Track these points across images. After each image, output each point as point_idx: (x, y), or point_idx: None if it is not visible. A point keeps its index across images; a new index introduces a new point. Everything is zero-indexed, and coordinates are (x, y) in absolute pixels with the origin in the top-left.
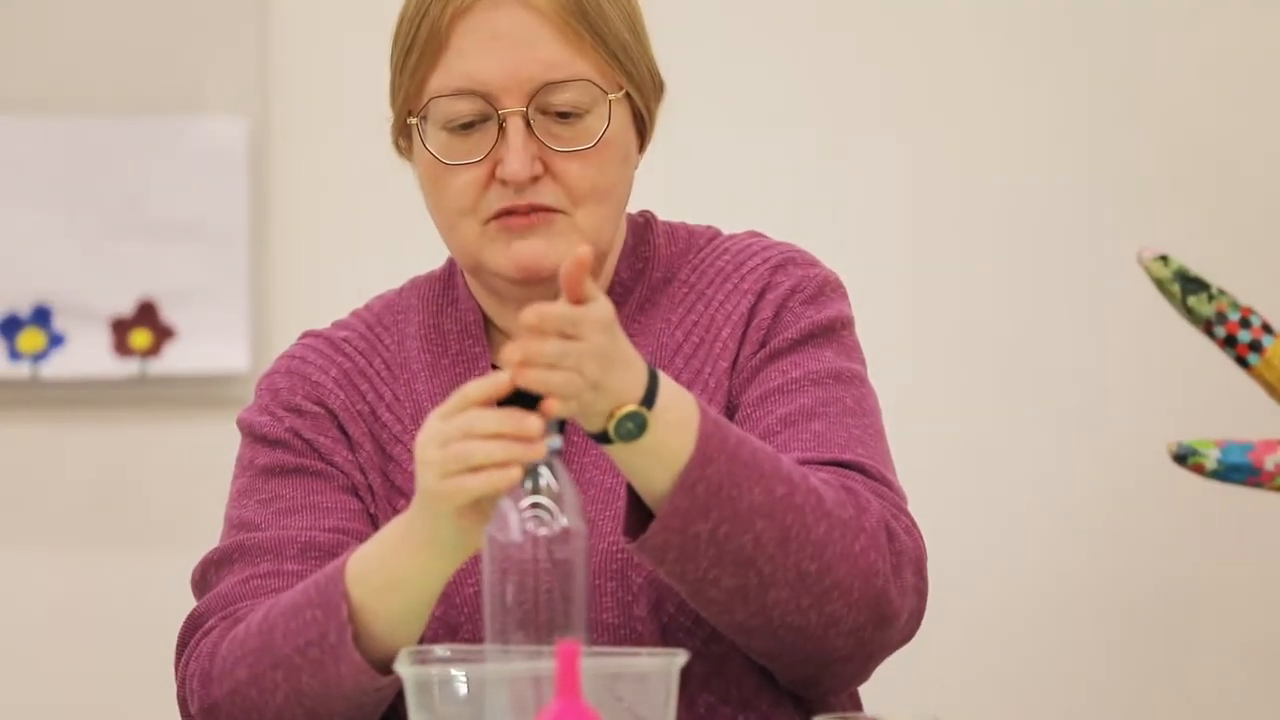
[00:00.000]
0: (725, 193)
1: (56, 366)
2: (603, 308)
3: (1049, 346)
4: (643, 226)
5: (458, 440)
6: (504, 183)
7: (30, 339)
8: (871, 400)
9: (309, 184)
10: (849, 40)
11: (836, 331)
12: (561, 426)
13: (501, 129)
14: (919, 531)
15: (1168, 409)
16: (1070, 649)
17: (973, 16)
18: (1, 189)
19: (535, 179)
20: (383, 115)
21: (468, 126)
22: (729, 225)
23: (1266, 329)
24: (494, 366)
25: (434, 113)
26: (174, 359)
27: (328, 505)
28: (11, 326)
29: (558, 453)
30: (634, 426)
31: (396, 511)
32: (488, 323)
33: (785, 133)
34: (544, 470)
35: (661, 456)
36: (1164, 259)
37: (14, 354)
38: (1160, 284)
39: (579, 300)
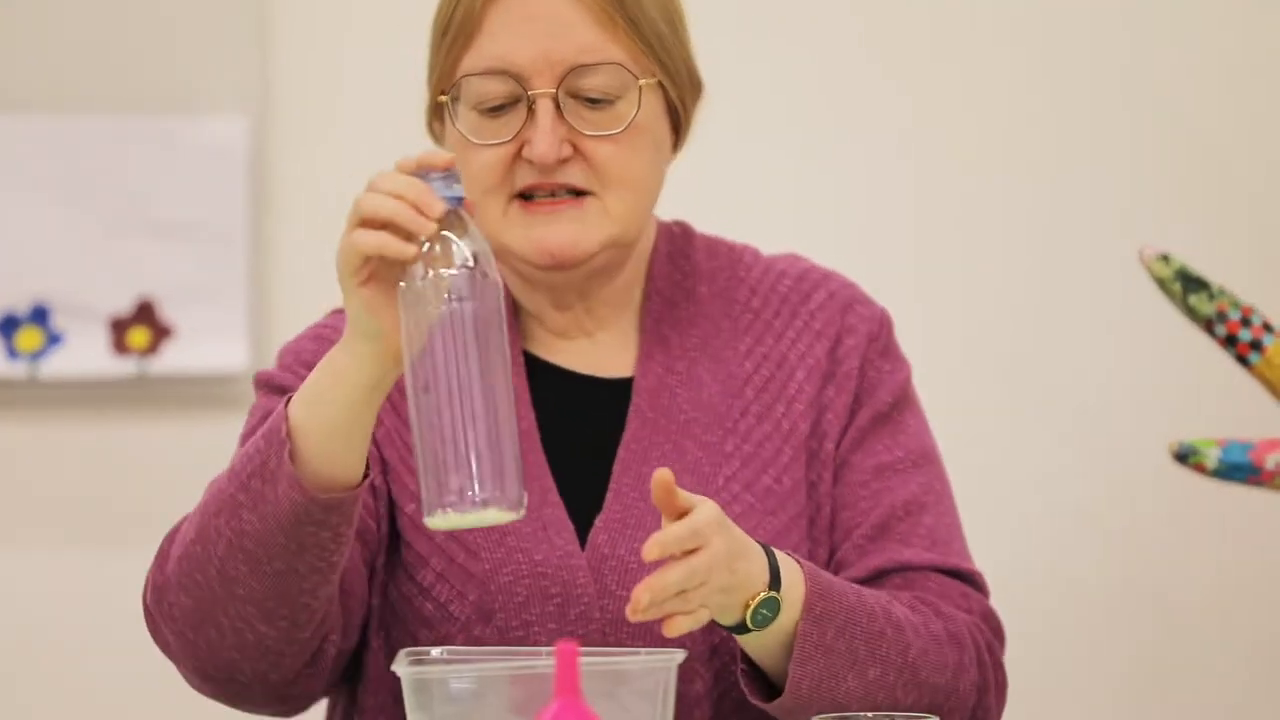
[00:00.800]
0: (727, 194)
1: (54, 366)
2: (710, 508)
3: (1049, 347)
4: (679, 235)
5: (364, 194)
6: (531, 162)
7: (28, 338)
8: (947, 476)
9: (308, 183)
10: (852, 40)
11: (911, 394)
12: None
13: (530, 110)
14: (1005, 678)
15: (1169, 408)
16: (1073, 650)
17: (976, 18)
18: (0, 188)
19: (564, 161)
20: (379, 114)
21: (497, 109)
22: (730, 225)
23: (1267, 328)
24: (525, 352)
25: (465, 92)
26: (172, 358)
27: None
28: (9, 325)
29: (460, 200)
30: (769, 613)
31: (406, 489)
32: (515, 305)
33: (786, 133)
34: (450, 218)
35: (778, 633)
36: (1165, 258)
37: (12, 353)
38: (1161, 283)
39: (682, 512)
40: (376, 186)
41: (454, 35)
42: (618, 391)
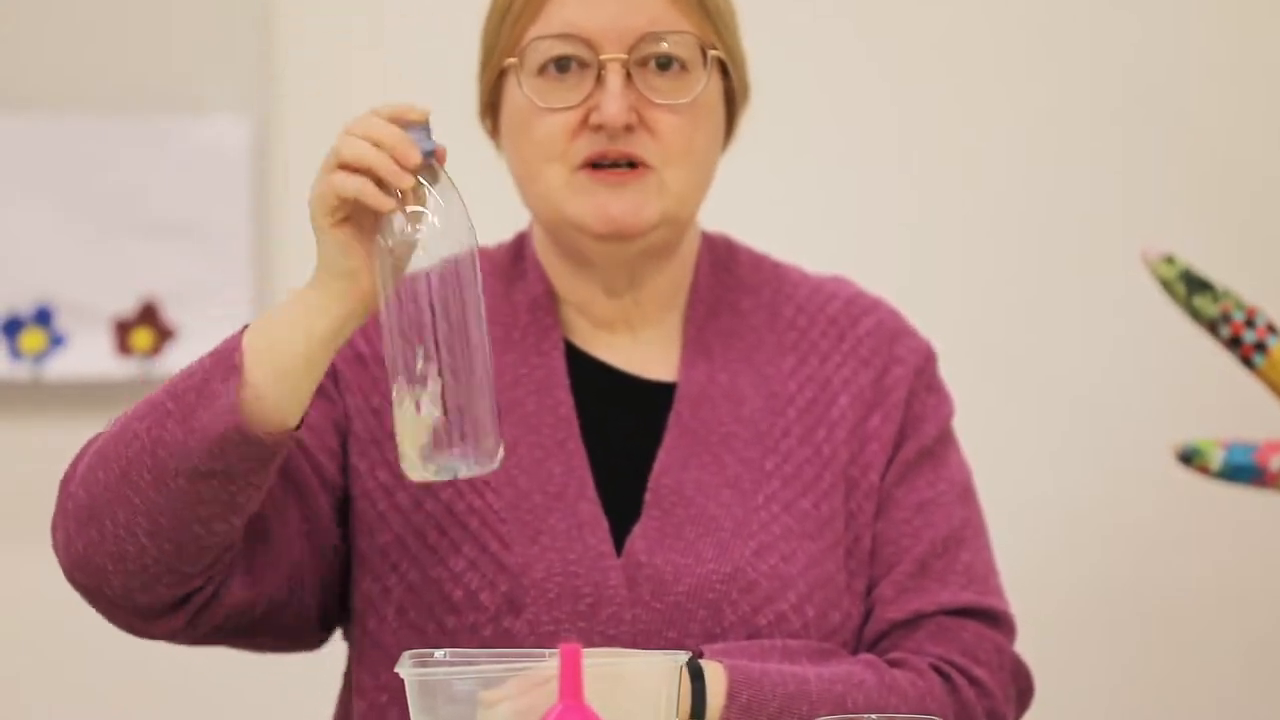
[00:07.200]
0: (727, 195)
1: (58, 367)
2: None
3: (1049, 347)
4: (722, 247)
5: (343, 137)
6: (596, 130)
7: (32, 339)
8: (982, 511)
9: (311, 183)
10: (852, 39)
11: (952, 429)
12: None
13: (599, 77)
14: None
15: (1169, 408)
16: (1072, 650)
17: (975, 16)
18: (3, 188)
19: (629, 129)
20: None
21: (564, 69)
22: (728, 224)
23: (1271, 330)
24: (566, 341)
25: (531, 56)
26: (176, 359)
27: (310, 422)
28: (13, 327)
29: (433, 154)
30: None
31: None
32: (555, 295)
33: (783, 131)
34: (423, 179)
35: None
36: (1170, 259)
37: (15, 354)
38: (1165, 284)
39: None
40: (355, 131)
41: (520, 7)
42: (658, 395)
